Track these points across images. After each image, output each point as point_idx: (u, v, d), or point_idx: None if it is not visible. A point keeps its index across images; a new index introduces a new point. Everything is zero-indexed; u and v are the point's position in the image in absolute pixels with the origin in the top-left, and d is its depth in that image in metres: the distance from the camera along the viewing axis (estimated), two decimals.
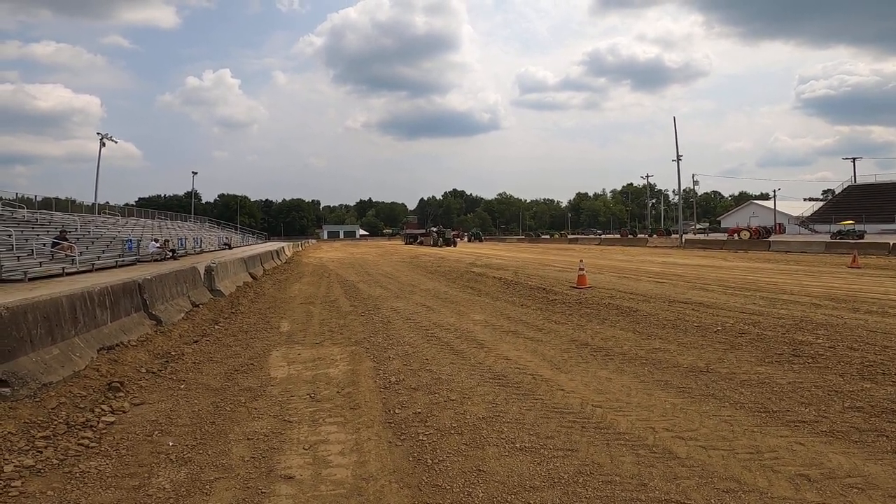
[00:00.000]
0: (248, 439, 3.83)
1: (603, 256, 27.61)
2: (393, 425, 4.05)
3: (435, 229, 56.31)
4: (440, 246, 48.24)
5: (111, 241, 25.84)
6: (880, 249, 24.94)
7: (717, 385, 4.84)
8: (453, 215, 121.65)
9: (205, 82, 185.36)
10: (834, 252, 26.47)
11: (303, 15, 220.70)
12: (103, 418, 4.18)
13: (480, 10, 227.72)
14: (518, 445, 3.60)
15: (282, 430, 3.99)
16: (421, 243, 55.12)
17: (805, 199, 78.58)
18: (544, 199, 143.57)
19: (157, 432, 3.96)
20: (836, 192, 69.50)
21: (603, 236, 67.95)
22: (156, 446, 3.71)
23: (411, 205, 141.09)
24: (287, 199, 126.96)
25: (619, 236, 64.90)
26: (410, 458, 3.47)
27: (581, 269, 13.25)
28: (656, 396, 4.58)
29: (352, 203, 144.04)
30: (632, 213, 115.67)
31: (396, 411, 4.35)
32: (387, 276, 17.52)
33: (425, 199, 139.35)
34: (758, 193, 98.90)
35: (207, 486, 3.14)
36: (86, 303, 5.64)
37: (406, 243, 61.17)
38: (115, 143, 45.39)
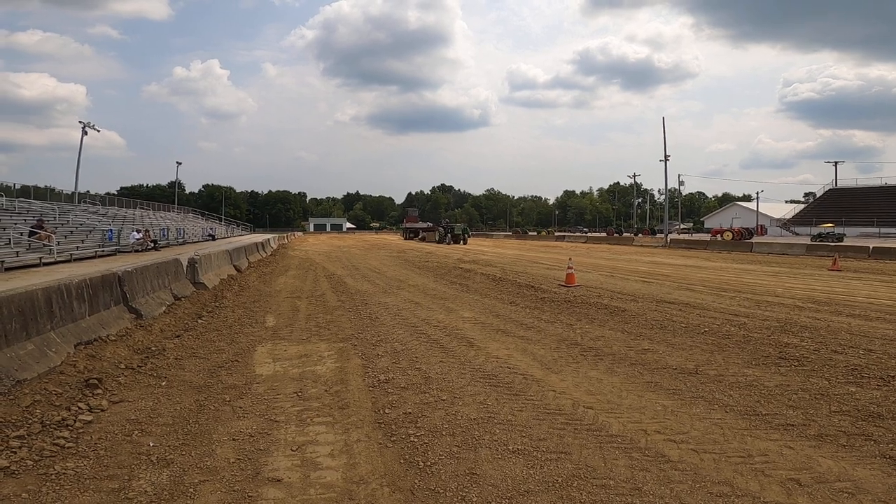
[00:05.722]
0: (233, 440, 3.72)
1: (590, 255, 27.76)
2: (383, 426, 3.98)
3: (442, 224, 49.42)
4: (448, 243, 41.57)
5: (91, 231, 25.24)
6: (860, 253, 25.51)
7: (707, 387, 4.85)
8: (441, 210, 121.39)
9: (192, 73, 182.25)
10: (814, 254, 26.98)
11: (295, 8, 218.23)
12: (80, 417, 4.02)
13: (475, 6, 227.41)
14: (511, 448, 3.55)
15: (268, 431, 3.89)
16: (423, 239, 49.02)
17: (787, 202, 79.97)
18: (532, 196, 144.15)
19: (136, 432, 3.83)
20: (818, 195, 70.76)
21: (589, 234, 68.39)
22: (136, 447, 3.58)
23: (399, 199, 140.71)
24: (273, 190, 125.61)
25: (605, 235, 65.28)
26: (402, 461, 3.40)
27: (570, 268, 13.29)
28: (647, 398, 4.57)
29: (339, 196, 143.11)
30: (618, 212, 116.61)
31: (386, 411, 4.27)
32: (374, 270, 17.38)
33: (413, 193, 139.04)
34: (740, 195, 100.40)
35: (191, 489, 3.03)
36: (62, 296, 5.44)
37: (405, 238, 54.72)
38: (98, 131, 44.16)
